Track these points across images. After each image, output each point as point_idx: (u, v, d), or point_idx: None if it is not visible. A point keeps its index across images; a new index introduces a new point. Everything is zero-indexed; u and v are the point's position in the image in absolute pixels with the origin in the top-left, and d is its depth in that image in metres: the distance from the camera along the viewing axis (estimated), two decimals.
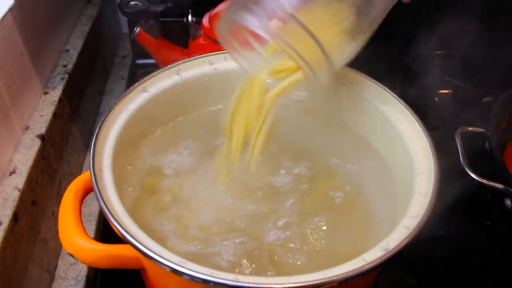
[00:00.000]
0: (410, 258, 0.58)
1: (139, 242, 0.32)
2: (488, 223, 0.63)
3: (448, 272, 0.58)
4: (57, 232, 0.57)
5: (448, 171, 0.42)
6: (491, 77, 0.84)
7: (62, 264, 0.57)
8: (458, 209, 0.65)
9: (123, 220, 0.34)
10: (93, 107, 0.77)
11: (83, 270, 0.56)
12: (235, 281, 0.30)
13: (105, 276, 0.57)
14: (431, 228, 0.61)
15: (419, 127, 0.42)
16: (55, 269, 0.56)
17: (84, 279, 0.55)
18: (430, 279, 0.57)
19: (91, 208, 0.63)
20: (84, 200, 0.45)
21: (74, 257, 0.38)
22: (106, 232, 0.62)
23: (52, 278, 0.55)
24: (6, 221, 0.45)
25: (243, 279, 0.30)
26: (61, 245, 0.59)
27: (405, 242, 0.33)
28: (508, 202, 0.58)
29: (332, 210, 0.44)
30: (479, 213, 0.65)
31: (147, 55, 0.81)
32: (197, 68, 0.50)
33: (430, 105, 0.80)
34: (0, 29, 0.51)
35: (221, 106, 0.52)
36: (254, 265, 0.40)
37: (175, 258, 0.31)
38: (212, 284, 0.30)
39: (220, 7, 0.68)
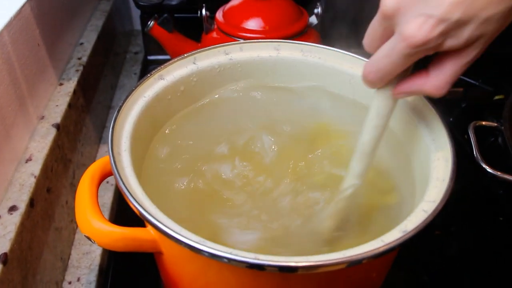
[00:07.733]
0: (423, 254, 0.58)
1: (159, 221, 0.32)
2: (501, 218, 0.63)
3: (461, 268, 0.58)
4: (70, 222, 0.58)
5: (461, 168, 0.41)
6: (503, 75, 0.83)
7: (75, 253, 0.57)
8: (471, 205, 0.65)
9: (142, 201, 0.34)
10: (106, 100, 0.78)
11: (96, 260, 0.56)
12: (255, 259, 0.30)
13: (117, 265, 0.57)
14: (444, 224, 0.62)
15: (435, 115, 0.43)
16: (69, 258, 0.56)
17: (97, 268, 0.55)
18: (443, 276, 0.57)
19: (104, 199, 0.63)
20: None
21: (91, 240, 0.38)
22: (118, 222, 0.62)
23: (65, 267, 0.55)
24: (23, 206, 0.45)
25: (262, 258, 0.30)
26: (74, 235, 0.59)
27: (423, 224, 0.33)
28: None
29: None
30: (492, 209, 0.65)
31: (158, 51, 0.81)
32: (213, 57, 0.50)
33: (441, 103, 0.79)
34: (18, 19, 0.52)
35: (235, 95, 0.52)
36: None
37: (194, 237, 0.31)
38: (228, 261, 0.30)
39: (234, 2, 0.68)
